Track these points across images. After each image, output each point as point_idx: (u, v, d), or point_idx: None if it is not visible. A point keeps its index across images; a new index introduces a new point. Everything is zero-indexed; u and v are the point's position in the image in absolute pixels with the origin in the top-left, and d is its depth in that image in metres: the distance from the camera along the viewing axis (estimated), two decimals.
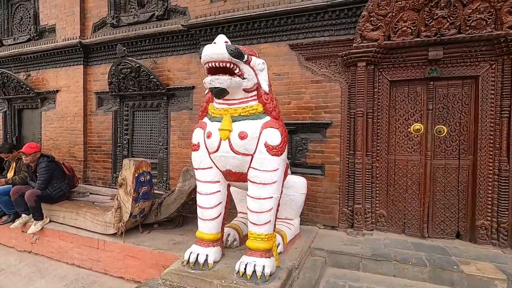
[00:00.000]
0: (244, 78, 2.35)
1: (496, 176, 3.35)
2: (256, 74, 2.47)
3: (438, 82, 3.63)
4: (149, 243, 3.60)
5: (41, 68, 6.32)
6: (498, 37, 3.16)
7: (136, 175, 3.71)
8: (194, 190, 3.90)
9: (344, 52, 3.80)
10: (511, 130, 3.26)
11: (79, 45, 5.59)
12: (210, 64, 2.24)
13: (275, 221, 2.55)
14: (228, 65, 2.22)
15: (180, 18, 5.01)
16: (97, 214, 4.03)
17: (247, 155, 2.41)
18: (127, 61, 4.99)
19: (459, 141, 3.62)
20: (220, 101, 2.49)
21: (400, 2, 3.39)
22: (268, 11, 4.12)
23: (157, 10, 5.10)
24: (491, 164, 3.38)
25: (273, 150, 2.37)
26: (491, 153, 3.38)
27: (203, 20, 4.52)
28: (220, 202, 2.66)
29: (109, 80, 5.35)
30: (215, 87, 2.27)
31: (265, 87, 2.51)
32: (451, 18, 3.27)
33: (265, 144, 2.37)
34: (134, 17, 5.33)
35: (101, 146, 5.78)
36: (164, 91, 5.05)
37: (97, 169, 5.85)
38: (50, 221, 4.34)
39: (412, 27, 3.44)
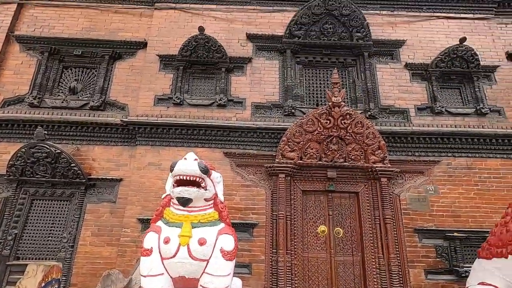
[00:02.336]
0: (206, 190, 2.75)
1: (378, 270, 4.40)
2: (214, 186, 2.90)
3: (334, 194, 4.85)
4: None
5: None
6: (367, 168, 4.70)
7: (43, 284, 3.09)
8: None
9: (269, 165, 4.73)
10: (382, 233, 4.53)
11: None
12: (181, 177, 2.58)
13: None
14: (197, 179, 2.62)
15: (117, 112, 5.19)
16: None
17: (204, 260, 2.60)
18: (45, 146, 4.59)
19: (351, 241, 4.68)
20: (180, 207, 2.74)
21: (308, 135, 4.71)
22: (208, 123, 4.86)
23: (93, 101, 5.16)
24: (374, 260, 4.45)
25: (227, 255, 2.65)
26: (373, 251, 4.50)
27: (144, 119, 4.86)
28: None
29: (11, 161, 4.64)
30: (183, 197, 2.56)
31: (221, 196, 2.94)
32: (340, 151, 4.73)
33: (220, 249, 2.64)
34: (62, 102, 5.18)
35: None
36: (84, 180, 4.70)
37: None
38: None
39: (316, 154, 4.73)
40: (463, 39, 5.14)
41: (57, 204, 4.79)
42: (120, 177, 4.82)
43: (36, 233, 4.64)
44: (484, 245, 3.34)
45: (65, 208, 4.76)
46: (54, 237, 4.61)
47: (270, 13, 5.64)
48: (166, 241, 2.60)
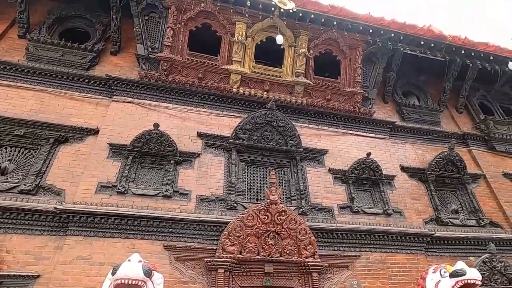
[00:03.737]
0: None
1: None
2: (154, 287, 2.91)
3: None
4: None
5: None
6: (301, 262, 5.08)
7: None
8: None
9: (209, 259, 4.78)
10: None
11: None
12: (123, 281, 2.59)
13: None
14: (139, 282, 2.65)
15: (51, 197, 4.90)
16: None
17: None
18: None
19: None
20: None
21: (248, 230, 5.05)
22: (150, 214, 4.89)
23: (24, 184, 4.83)
24: None
25: None
26: None
27: (82, 207, 4.68)
28: None
29: None
30: None
31: None
32: (276, 246, 5.10)
33: None
34: None
35: None
36: None
37: None
38: None
39: (255, 248, 5.00)
40: (369, 154, 6.60)
41: None
42: (38, 273, 4.25)
43: None
44: None
45: None
46: None
47: (219, 116, 6.54)
48: None
